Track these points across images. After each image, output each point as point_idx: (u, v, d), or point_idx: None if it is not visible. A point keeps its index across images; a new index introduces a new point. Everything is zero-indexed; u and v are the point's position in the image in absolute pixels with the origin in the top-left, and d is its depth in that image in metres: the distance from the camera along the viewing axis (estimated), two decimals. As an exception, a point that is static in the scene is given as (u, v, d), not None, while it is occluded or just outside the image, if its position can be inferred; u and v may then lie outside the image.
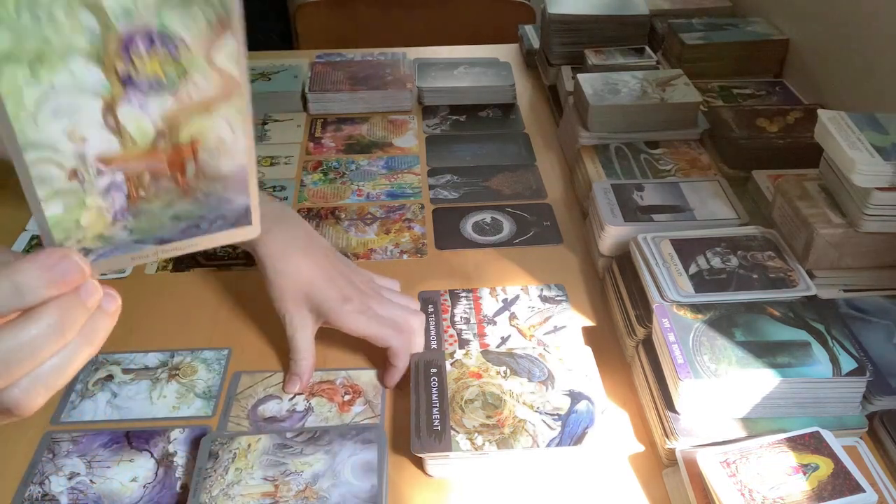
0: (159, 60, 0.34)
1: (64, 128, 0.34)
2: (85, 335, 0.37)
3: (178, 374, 0.70)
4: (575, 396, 0.63)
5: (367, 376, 0.70)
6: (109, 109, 0.34)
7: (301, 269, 0.69)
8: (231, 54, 0.35)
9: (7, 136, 0.33)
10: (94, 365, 0.71)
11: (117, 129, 0.35)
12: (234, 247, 0.86)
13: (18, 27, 0.31)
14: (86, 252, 0.37)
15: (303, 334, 0.69)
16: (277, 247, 0.69)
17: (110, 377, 0.70)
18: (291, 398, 0.68)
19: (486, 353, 0.67)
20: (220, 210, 0.39)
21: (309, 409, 0.67)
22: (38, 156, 0.34)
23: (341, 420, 0.65)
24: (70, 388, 0.69)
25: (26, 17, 0.31)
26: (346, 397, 0.68)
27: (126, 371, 0.71)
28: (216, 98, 0.36)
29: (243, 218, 0.39)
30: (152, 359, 0.72)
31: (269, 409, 0.67)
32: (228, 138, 0.37)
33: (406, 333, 0.69)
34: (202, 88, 0.35)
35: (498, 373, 0.65)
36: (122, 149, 0.35)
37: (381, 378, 0.70)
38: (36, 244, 0.87)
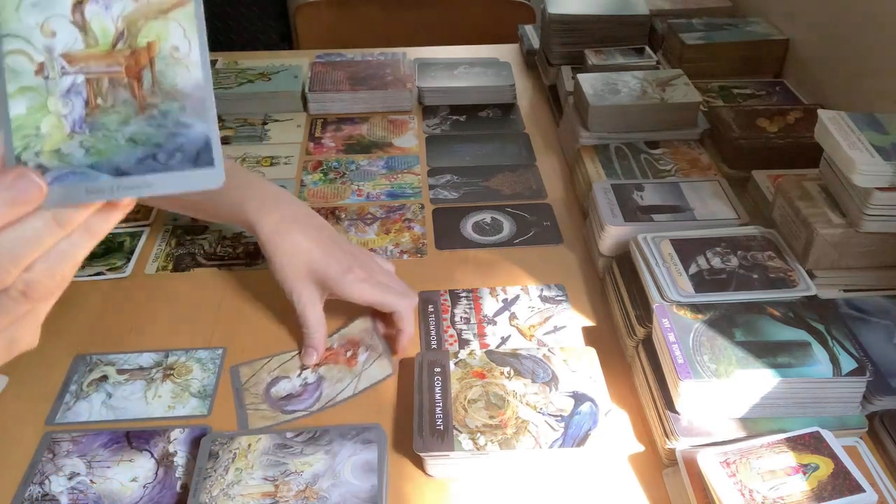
0: None
1: (38, 20, 0.36)
2: (88, 227, 0.38)
3: (172, 374, 0.70)
4: (578, 398, 0.63)
5: (356, 327, 0.74)
6: (78, 6, 0.37)
7: (300, 244, 0.71)
8: None
9: None
10: (88, 366, 0.71)
11: (83, 26, 0.37)
12: (234, 246, 0.86)
13: None
14: (43, 171, 0.37)
15: (312, 309, 0.71)
16: (275, 225, 0.71)
17: (105, 378, 0.70)
18: (300, 374, 0.69)
19: (490, 353, 0.67)
20: (177, 138, 0.37)
21: (321, 379, 0.69)
22: (13, 46, 0.36)
23: (353, 374, 0.68)
24: (65, 388, 0.69)
25: None
26: (349, 353, 0.70)
27: (120, 371, 0.71)
28: (171, 3, 0.37)
29: (204, 154, 0.37)
30: (147, 359, 0.72)
31: (282, 388, 0.68)
32: (183, 47, 0.37)
33: (409, 298, 0.73)
34: None
35: (502, 373, 0.65)
36: (85, 47, 0.37)
37: (392, 344, 0.73)
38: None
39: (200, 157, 0.38)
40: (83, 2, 0.37)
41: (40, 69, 0.37)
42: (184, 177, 0.38)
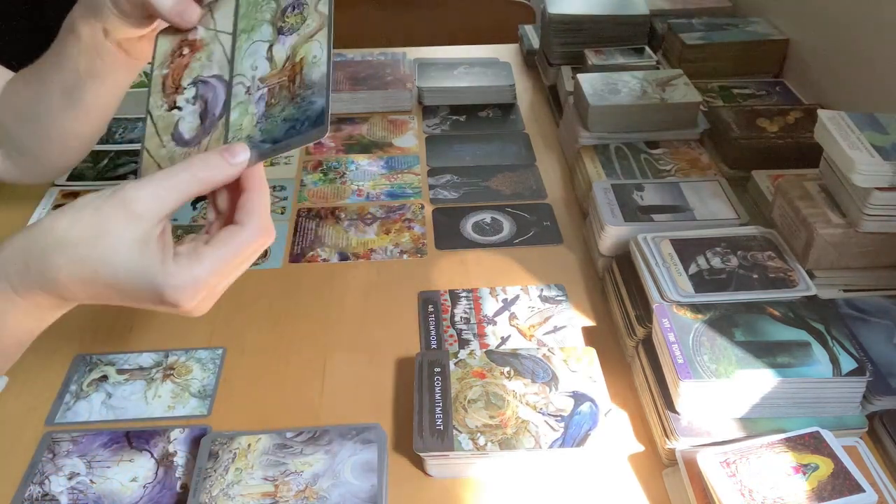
0: (295, 16, 0.56)
1: (251, 63, 0.56)
2: None
3: (172, 374, 0.70)
4: (578, 398, 0.63)
5: None
6: (269, 48, 0.56)
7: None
8: (326, 2, 0.55)
9: (232, 69, 0.57)
10: (88, 366, 0.71)
11: (271, 59, 0.55)
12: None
13: (249, 15, 0.58)
14: None
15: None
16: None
17: (105, 378, 0.70)
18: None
19: (490, 353, 0.67)
20: (307, 111, 0.52)
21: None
22: (237, 80, 0.56)
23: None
24: (64, 388, 0.69)
25: (254, 9, 0.58)
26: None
27: (120, 371, 0.71)
28: (315, 30, 0.54)
29: (321, 118, 0.51)
30: (146, 359, 0.72)
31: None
32: (319, 54, 0.53)
33: None
34: (311, 26, 0.55)
35: (502, 373, 0.65)
36: (270, 71, 0.55)
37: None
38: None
39: (317, 121, 0.51)
40: (273, 45, 0.56)
41: (247, 91, 0.55)
42: (306, 136, 0.52)
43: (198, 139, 0.56)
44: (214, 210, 0.55)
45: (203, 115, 0.56)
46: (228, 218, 0.53)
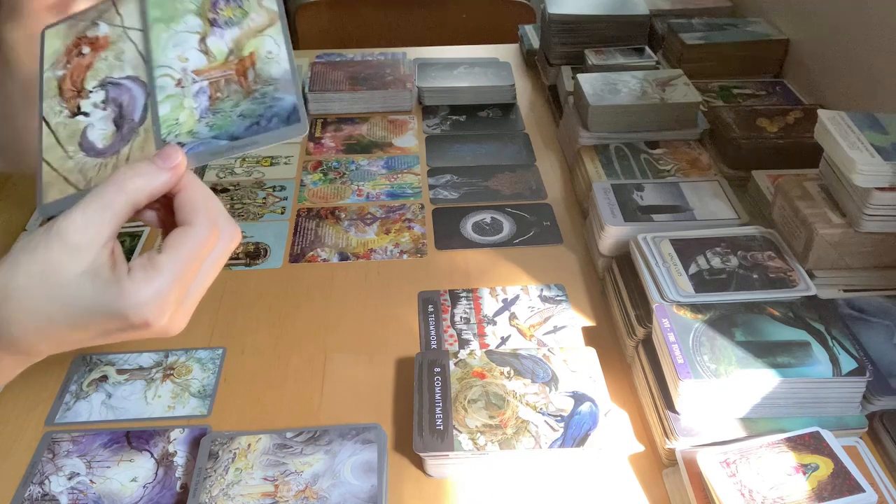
0: (231, 9, 0.53)
1: (177, 53, 0.52)
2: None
3: (172, 374, 0.70)
4: (578, 398, 0.63)
5: None
6: (202, 40, 0.52)
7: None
8: None
9: (147, 64, 0.52)
10: (88, 366, 0.71)
11: (206, 51, 0.52)
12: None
13: (164, 5, 0.53)
14: (181, 146, 0.49)
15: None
16: None
17: (104, 378, 0.70)
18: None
19: (490, 353, 0.67)
20: (273, 108, 0.50)
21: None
22: (162, 72, 0.52)
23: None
24: (64, 388, 0.69)
25: (169, 1, 0.53)
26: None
27: (120, 371, 0.71)
28: (264, 25, 0.52)
29: (293, 115, 0.50)
30: (146, 359, 0.72)
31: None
32: (275, 50, 0.51)
33: None
34: (256, 21, 0.52)
35: (502, 373, 0.65)
36: (207, 63, 0.52)
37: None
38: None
39: (290, 117, 0.50)
40: (205, 37, 0.52)
41: (178, 83, 0.51)
42: (280, 133, 0.49)
43: (114, 148, 0.51)
44: (162, 228, 0.51)
45: (118, 122, 0.52)
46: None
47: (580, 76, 1.00)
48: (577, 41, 1.15)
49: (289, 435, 0.62)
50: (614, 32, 1.16)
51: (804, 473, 0.53)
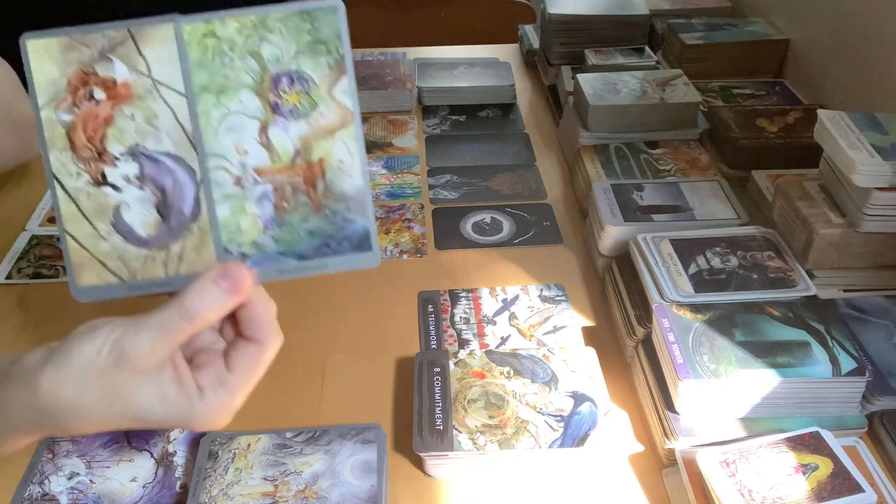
0: (297, 94, 0.45)
1: (233, 141, 0.45)
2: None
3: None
4: (578, 398, 0.63)
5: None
6: (263, 130, 0.45)
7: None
8: (346, 91, 0.46)
9: (198, 148, 0.45)
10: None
11: (268, 146, 0.46)
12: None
13: (212, 68, 0.45)
14: (243, 258, 0.46)
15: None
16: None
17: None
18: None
19: (489, 353, 0.67)
20: (344, 230, 0.46)
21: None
22: (216, 163, 0.45)
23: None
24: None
25: (217, 62, 0.45)
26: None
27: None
28: (336, 125, 0.46)
29: (364, 242, 0.47)
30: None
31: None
32: (347, 160, 0.46)
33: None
34: (326, 117, 0.46)
35: (501, 373, 0.65)
36: (271, 162, 0.46)
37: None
38: (36, 244, 0.87)
39: (362, 244, 0.47)
40: (267, 126, 0.45)
41: (237, 181, 0.46)
42: (350, 259, 0.47)
43: (162, 241, 0.46)
44: (220, 332, 0.50)
45: (162, 210, 0.46)
46: (235, 328, 0.48)
47: (580, 76, 1.01)
48: (577, 41, 1.15)
49: (288, 435, 0.62)
50: (614, 32, 1.16)
51: (804, 473, 0.53)
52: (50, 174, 0.45)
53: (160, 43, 0.44)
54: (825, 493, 0.52)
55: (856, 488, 0.52)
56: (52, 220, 0.91)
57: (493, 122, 1.14)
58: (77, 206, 0.46)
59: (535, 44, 1.30)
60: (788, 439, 0.56)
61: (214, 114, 0.45)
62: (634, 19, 1.16)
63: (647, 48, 1.15)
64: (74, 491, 0.60)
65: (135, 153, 0.45)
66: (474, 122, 1.14)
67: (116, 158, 0.45)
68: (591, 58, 1.11)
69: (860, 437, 0.60)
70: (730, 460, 0.54)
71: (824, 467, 0.53)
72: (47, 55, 0.45)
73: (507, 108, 1.17)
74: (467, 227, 0.91)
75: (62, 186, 0.45)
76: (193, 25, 0.44)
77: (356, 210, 0.46)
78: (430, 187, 0.98)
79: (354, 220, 0.46)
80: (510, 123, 1.13)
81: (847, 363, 0.60)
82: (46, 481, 0.61)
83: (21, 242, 0.88)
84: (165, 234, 0.46)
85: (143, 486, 0.60)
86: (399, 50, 1.32)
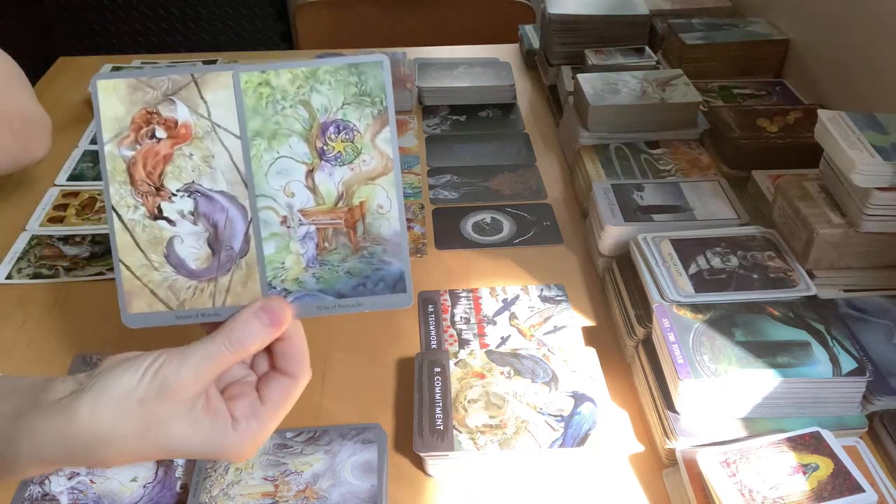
0: (342, 142, 0.48)
1: (281, 184, 0.48)
2: None
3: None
4: (578, 398, 0.63)
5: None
6: (309, 174, 0.48)
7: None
8: (387, 140, 0.48)
9: (249, 188, 0.48)
10: (88, 366, 0.71)
11: (313, 189, 0.48)
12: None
13: (265, 115, 0.47)
14: (286, 294, 0.49)
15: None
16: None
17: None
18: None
19: (490, 353, 0.67)
20: (381, 271, 0.49)
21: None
22: (264, 204, 0.48)
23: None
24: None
25: (270, 109, 0.47)
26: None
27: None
28: (377, 172, 0.48)
29: (399, 283, 0.49)
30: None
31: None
32: (385, 205, 0.48)
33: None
34: (368, 164, 0.48)
35: (502, 373, 0.65)
36: (315, 205, 0.48)
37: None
38: (36, 244, 0.87)
39: (396, 286, 0.49)
40: (313, 171, 0.48)
41: (283, 221, 0.48)
42: (385, 299, 0.49)
43: (211, 273, 0.48)
44: (251, 366, 0.50)
45: (213, 244, 0.48)
46: (270, 361, 0.50)
47: (580, 76, 1.01)
48: (577, 41, 1.15)
49: (289, 435, 0.62)
50: (614, 32, 1.16)
51: (804, 473, 0.53)
52: (109, 205, 0.48)
53: (220, 89, 0.47)
54: (825, 493, 0.52)
55: (856, 488, 0.52)
56: (52, 220, 0.91)
57: (493, 122, 1.14)
58: (132, 236, 0.48)
59: (535, 44, 1.30)
60: (789, 439, 0.56)
61: (266, 157, 0.48)
62: (634, 19, 1.16)
63: (647, 48, 1.15)
64: (74, 491, 0.60)
65: (191, 190, 0.48)
66: (474, 122, 1.14)
67: (173, 194, 0.48)
68: (591, 58, 1.11)
69: (860, 437, 0.60)
70: (730, 460, 0.54)
71: (825, 467, 0.53)
72: (115, 94, 0.47)
73: (507, 108, 1.17)
74: (467, 227, 0.91)
75: (119, 218, 0.48)
76: (250, 75, 0.47)
77: (392, 253, 0.49)
78: (431, 187, 0.98)
79: (390, 263, 0.49)
80: (510, 123, 1.13)
81: (847, 363, 0.60)
82: (47, 481, 0.61)
83: (21, 242, 0.88)
84: (215, 267, 0.48)
85: (144, 486, 0.60)
86: (399, 50, 1.32)
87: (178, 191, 0.48)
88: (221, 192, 0.48)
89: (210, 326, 0.48)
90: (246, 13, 2.50)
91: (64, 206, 0.94)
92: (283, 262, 0.48)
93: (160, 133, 0.47)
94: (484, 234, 0.89)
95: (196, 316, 0.49)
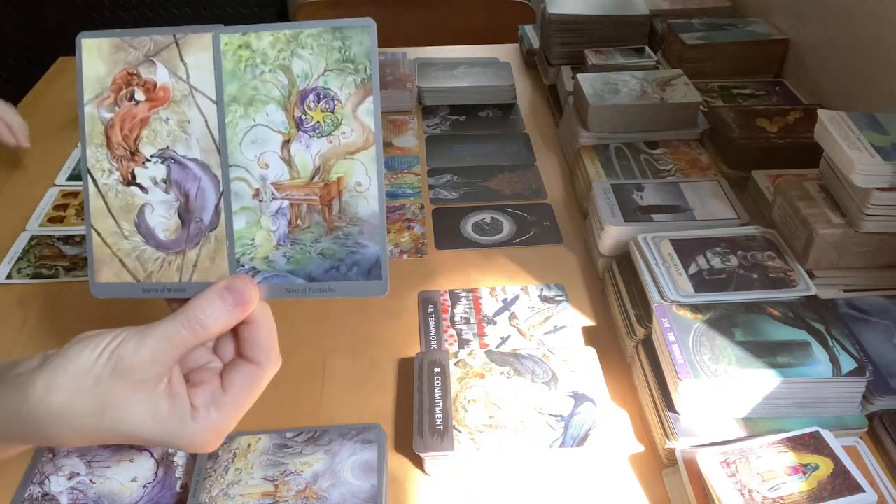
0: (321, 111, 0.45)
1: (256, 154, 0.46)
2: None
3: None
4: (578, 398, 0.63)
5: None
6: (286, 145, 0.46)
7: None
8: (369, 111, 0.46)
9: (222, 157, 0.46)
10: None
11: (289, 161, 0.46)
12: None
13: (243, 79, 0.45)
14: (254, 273, 0.47)
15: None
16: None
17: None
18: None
19: (490, 353, 0.67)
20: (355, 255, 0.46)
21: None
22: (237, 174, 0.46)
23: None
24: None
25: (249, 74, 0.45)
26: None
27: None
28: (357, 146, 0.46)
29: (375, 269, 0.46)
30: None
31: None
32: (364, 182, 0.46)
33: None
34: (348, 136, 0.46)
35: (502, 373, 0.65)
36: (289, 178, 0.46)
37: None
38: (36, 244, 0.87)
39: (372, 272, 0.46)
40: (289, 141, 0.46)
41: (256, 194, 0.46)
42: (358, 286, 0.46)
43: (179, 245, 0.47)
44: (216, 352, 0.49)
45: (183, 215, 0.46)
46: (235, 347, 0.48)
47: (580, 76, 1.01)
48: (577, 41, 1.15)
49: (289, 435, 0.62)
50: (614, 32, 1.16)
51: (804, 473, 0.53)
52: (85, 168, 0.47)
53: (201, 51, 0.45)
54: (825, 493, 0.52)
55: (856, 488, 0.52)
56: (52, 220, 0.91)
57: (493, 122, 1.14)
58: (105, 202, 0.47)
59: (535, 44, 1.30)
60: (788, 439, 0.56)
61: (241, 125, 0.46)
62: (634, 19, 1.16)
63: (647, 48, 1.15)
64: (74, 491, 0.60)
65: (164, 156, 0.46)
66: (474, 122, 1.14)
67: (147, 160, 0.46)
68: (591, 58, 1.11)
69: (860, 437, 0.60)
70: (730, 460, 0.54)
71: (824, 467, 0.53)
72: (98, 54, 0.46)
73: (507, 108, 1.17)
74: (467, 227, 0.91)
75: (94, 182, 0.47)
76: (231, 37, 0.45)
77: (369, 235, 0.46)
78: (431, 187, 0.98)
79: (366, 246, 0.46)
80: (510, 123, 1.13)
81: (847, 363, 0.60)
82: (46, 481, 0.61)
83: (21, 242, 0.88)
84: (184, 239, 0.47)
85: (144, 486, 0.60)
86: (399, 50, 1.32)
87: (152, 156, 0.46)
88: (195, 160, 0.46)
89: (178, 304, 0.47)
90: (246, 13, 2.51)
91: (64, 206, 0.94)
92: (254, 239, 0.46)
93: (139, 95, 0.46)
94: (484, 234, 0.89)
95: (162, 290, 0.48)
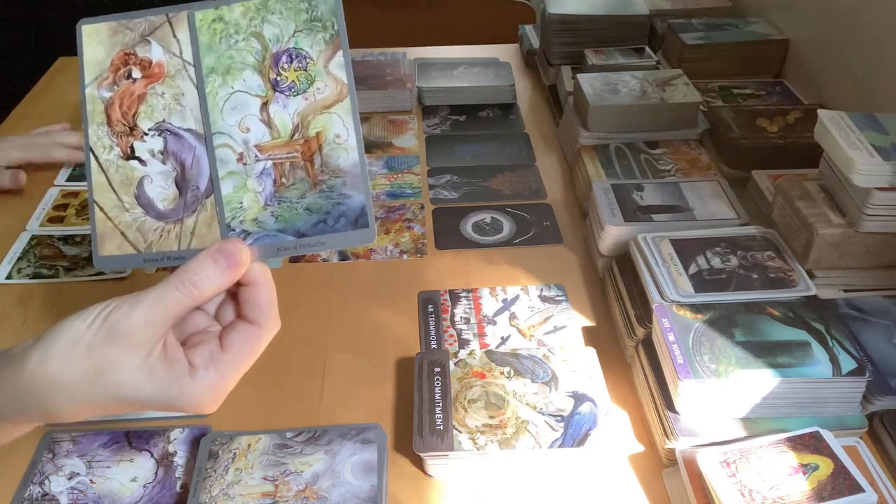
0: (295, 71, 0.47)
1: (237, 120, 0.47)
2: None
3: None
4: (578, 398, 0.63)
5: None
6: (264, 107, 0.47)
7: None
8: (341, 65, 0.47)
9: (204, 126, 0.47)
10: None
11: (269, 122, 0.47)
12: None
13: (219, 50, 0.47)
14: (245, 235, 0.47)
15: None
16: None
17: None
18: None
19: (489, 353, 0.67)
20: (341, 206, 0.47)
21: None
22: (221, 141, 0.47)
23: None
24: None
25: (224, 45, 0.47)
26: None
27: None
28: (332, 100, 0.47)
29: (361, 218, 0.47)
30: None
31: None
32: (343, 134, 0.47)
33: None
34: (322, 91, 0.47)
35: (502, 373, 0.65)
36: (271, 139, 0.47)
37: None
38: (36, 244, 0.87)
39: (359, 221, 0.47)
40: (267, 103, 0.47)
41: (240, 158, 0.48)
42: (347, 236, 0.47)
43: (177, 214, 0.48)
44: (217, 318, 0.49)
45: (180, 184, 0.48)
46: (235, 310, 0.48)
47: (580, 76, 1.01)
48: (577, 41, 1.15)
49: (289, 435, 0.62)
50: (614, 32, 1.16)
51: (804, 473, 0.53)
52: (87, 146, 0.49)
53: (188, 29, 0.48)
54: (825, 493, 0.52)
55: (856, 488, 0.52)
56: (52, 220, 0.91)
57: (493, 122, 1.14)
58: (107, 177, 0.49)
59: (535, 44, 1.30)
60: (789, 439, 0.56)
61: (220, 93, 0.48)
62: (634, 19, 1.16)
63: (647, 48, 1.15)
64: (74, 491, 0.60)
65: (161, 129, 0.48)
66: (474, 122, 1.14)
67: (145, 133, 0.48)
68: (591, 58, 1.11)
69: (860, 437, 0.60)
70: (730, 460, 0.54)
71: (824, 467, 0.53)
72: (97, 38, 0.49)
73: (507, 108, 1.17)
74: (467, 227, 0.91)
75: (96, 158, 0.49)
76: (205, 13, 0.48)
77: (352, 185, 0.47)
78: (430, 187, 0.98)
79: (351, 196, 0.47)
80: (510, 123, 1.13)
81: (847, 363, 0.60)
82: (46, 481, 0.61)
83: (21, 242, 0.88)
84: (181, 208, 0.48)
85: (144, 486, 0.60)
86: (399, 50, 1.32)
87: (149, 129, 0.48)
88: (189, 130, 0.48)
89: None
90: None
91: (64, 206, 0.94)
92: (242, 202, 0.48)
93: (136, 73, 0.49)
94: (484, 234, 0.89)
95: (162, 259, 0.49)
